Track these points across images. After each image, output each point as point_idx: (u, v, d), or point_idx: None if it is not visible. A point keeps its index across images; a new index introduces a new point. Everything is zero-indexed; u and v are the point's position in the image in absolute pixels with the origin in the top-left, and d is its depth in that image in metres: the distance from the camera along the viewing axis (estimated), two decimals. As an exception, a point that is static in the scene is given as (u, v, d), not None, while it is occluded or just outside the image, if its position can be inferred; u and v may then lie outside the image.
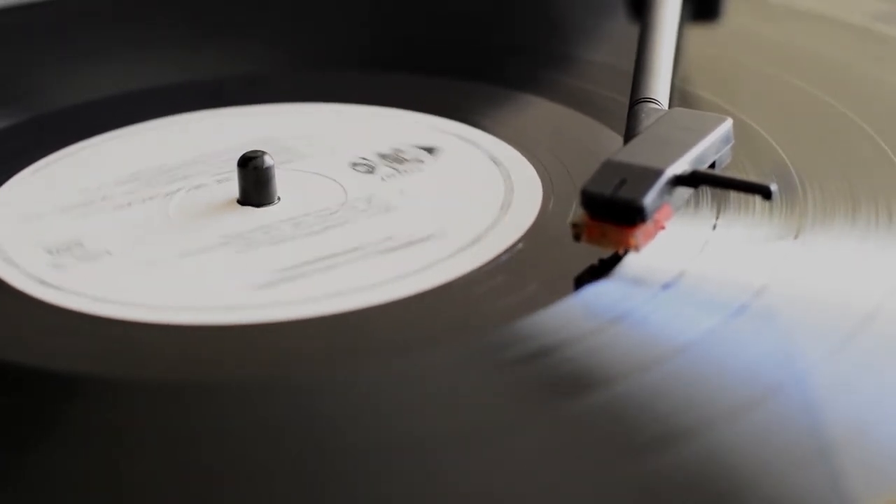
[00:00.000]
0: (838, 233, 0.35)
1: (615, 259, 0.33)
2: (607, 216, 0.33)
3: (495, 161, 0.39)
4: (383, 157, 0.40)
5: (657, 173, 0.33)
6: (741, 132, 0.40)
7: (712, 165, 0.35)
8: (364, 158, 0.40)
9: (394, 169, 0.39)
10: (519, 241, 0.35)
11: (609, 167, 0.33)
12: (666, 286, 0.33)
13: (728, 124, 0.35)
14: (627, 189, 0.32)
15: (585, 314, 0.32)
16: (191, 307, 0.33)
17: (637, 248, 0.32)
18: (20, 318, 0.33)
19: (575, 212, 0.33)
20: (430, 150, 0.40)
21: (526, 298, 0.33)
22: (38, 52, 0.48)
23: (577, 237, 0.33)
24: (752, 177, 0.37)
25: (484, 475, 0.27)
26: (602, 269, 0.33)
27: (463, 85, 0.44)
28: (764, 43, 0.46)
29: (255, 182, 0.37)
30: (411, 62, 0.46)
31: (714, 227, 0.35)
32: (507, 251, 0.35)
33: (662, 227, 0.33)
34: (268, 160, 0.37)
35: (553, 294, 0.32)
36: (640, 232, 0.32)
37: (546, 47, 0.48)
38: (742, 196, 0.36)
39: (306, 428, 0.29)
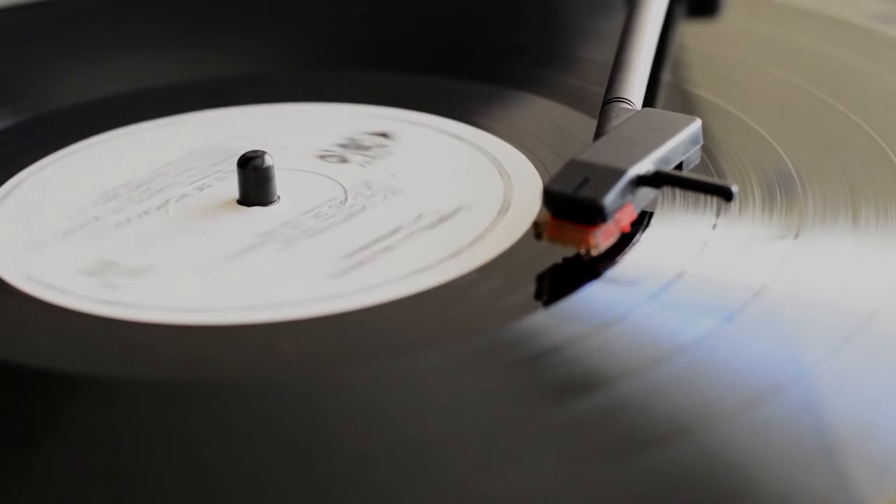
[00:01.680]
0: (838, 233, 0.35)
1: (577, 261, 0.33)
2: (569, 215, 0.33)
3: (490, 157, 0.39)
4: (343, 146, 0.40)
5: (619, 173, 0.33)
6: (742, 132, 0.40)
7: (679, 166, 0.35)
8: (326, 150, 0.40)
9: (364, 156, 0.39)
10: (518, 241, 0.35)
11: (573, 166, 0.33)
12: (666, 286, 0.33)
13: (697, 125, 0.35)
14: (589, 188, 0.32)
15: (585, 315, 0.32)
16: (264, 305, 0.33)
17: (597, 248, 0.32)
18: (99, 337, 0.33)
19: (540, 211, 0.33)
20: (385, 135, 0.40)
21: (525, 299, 0.33)
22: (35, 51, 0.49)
23: (538, 236, 0.33)
24: (753, 178, 0.37)
25: (484, 475, 0.27)
26: (568, 268, 0.33)
27: (457, 83, 0.44)
28: (764, 42, 0.46)
29: (255, 182, 0.37)
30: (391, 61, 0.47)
31: (714, 227, 0.35)
32: (506, 252, 0.35)
33: (626, 229, 0.33)
34: (268, 160, 0.37)
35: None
36: (600, 231, 0.32)
37: (542, 46, 0.48)
38: (741, 197, 0.36)
39: (306, 428, 0.29)
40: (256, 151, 0.37)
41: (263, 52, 0.48)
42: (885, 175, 0.37)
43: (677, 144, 0.35)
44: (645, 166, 0.33)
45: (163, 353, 0.32)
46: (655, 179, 0.34)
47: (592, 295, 0.33)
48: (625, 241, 0.34)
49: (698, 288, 0.33)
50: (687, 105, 0.42)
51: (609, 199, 0.32)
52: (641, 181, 0.33)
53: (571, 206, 0.32)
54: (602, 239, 0.32)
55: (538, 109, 0.42)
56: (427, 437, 0.29)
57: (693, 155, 0.35)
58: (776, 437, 0.28)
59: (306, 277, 0.34)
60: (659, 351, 0.30)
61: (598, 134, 0.36)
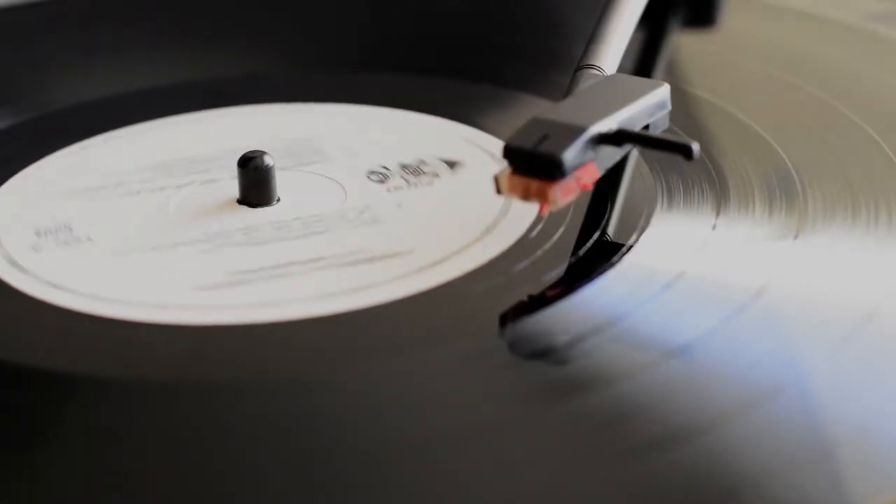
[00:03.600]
0: (838, 233, 0.35)
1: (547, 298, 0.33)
2: (528, 170, 0.33)
3: (496, 157, 0.39)
4: (404, 167, 0.39)
5: (580, 130, 0.33)
6: (742, 133, 0.40)
7: (646, 129, 0.35)
8: (384, 167, 0.39)
9: (406, 181, 0.39)
10: (517, 242, 0.35)
11: (534, 123, 0.33)
12: (665, 287, 0.33)
13: (665, 90, 0.35)
14: (548, 144, 0.33)
15: (584, 315, 0.32)
16: (125, 302, 0.33)
17: (555, 203, 0.32)
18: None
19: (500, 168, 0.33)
20: (451, 165, 0.40)
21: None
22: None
23: (498, 190, 0.33)
24: (753, 178, 0.37)
25: (483, 476, 0.27)
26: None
27: (470, 86, 0.44)
28: (763, 44, 0.46)
29: (254, 182, 0.37)
30: (417, 62, 0.47)
31: (714, 227, 0.35)
32: (505, 252, 0.35)
33: (586, 186, 0.33)
34: (268, 160, 0.37)
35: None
36: (559, 187, 0.32)
37: (541, 46, 0.48)
38: (741, 197, 0.36)
39: (305, 428, 0.29)
40: (257, 151, 0.37)
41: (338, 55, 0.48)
42: (884, 175, 0.37)
43: (642, 106, 0.35)
44: (607, 125, 0.34)
45: (163, 352, 0.32)
46: (617, 137, 0.34)
47: (591, 295, 0.33)
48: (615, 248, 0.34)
49: (698, 288, 0.33)
50: (686, 105, 0.42)
51: (569, 155, 0.32)
52: (603, 139, 0.33)
53: (531, 161, 0.33)
54: (561, 194, 0.32)
55: (535, 109, 0.42)
56: (426, 438, 0.29)
57: (660, 119, 0.35)
58: (775, 438, 0.28)
59: (175, 284, 0.34)
60: (658, 351, 0.30)
61: (566, 97, 0.36)
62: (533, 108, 0.42)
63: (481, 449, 0.28)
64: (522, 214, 0.36)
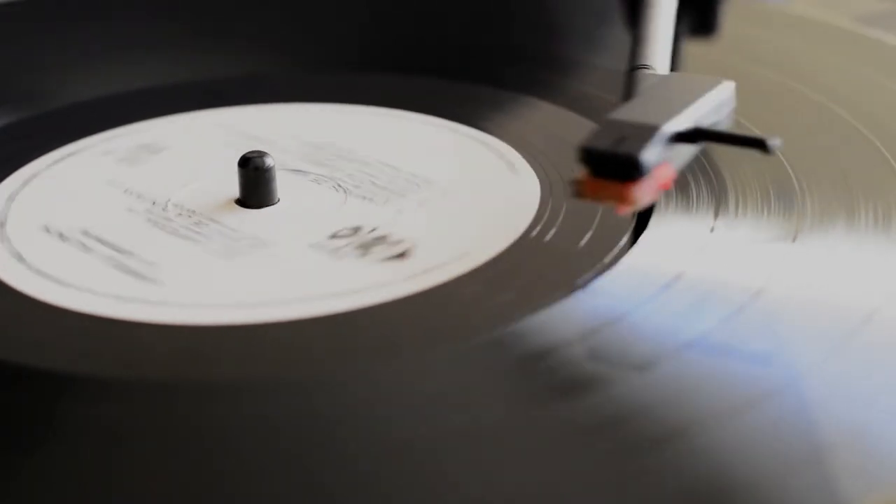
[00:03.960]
0: (836, 236, 0.35)
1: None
2: (606, 172, 0.33)
3: (495, 157, 0.39)
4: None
5: (655, 129, 0.33)
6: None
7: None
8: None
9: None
10: (517, 242, 0.35)
11: (608, 125, 0.33)
12: (664, 288, 0.33)
13: (730, 87, 0.35)
14: (626, 144, 0.32)
15: (582, 316, 0.32)
16: (262, 305, 0.33)
17: (637, 204, 0.32)
18: None
19: (576, 171, 0.33)
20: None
21: (523, 300, 0.33)
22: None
23: (577, 194, 0.33)
24: (751, 180, 0.37)
25: (482, 477, 0.27)
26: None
27: (468, 87, 0.44)
28: (761, 47, 0.46)
29: (254, 182, 0.37)
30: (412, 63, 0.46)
31: (712, 229, 0.35)
32: (504, 253, 0.35)
33: (665, 186, 0.33)
34: (268, 161, 0.37)
35: (550, 295, 0.33)
36: (639, 187, 0.32)
37: (543, 48, 0.48)
38: (740, 198, 0.36)
39: (305, 429, 0.29)
40: (256, 152, 0.37)
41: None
42: (882, 178, 0.37)
43: (711, 104, 0.35)
44: (681, 122, 0.34)
45: (162, 352, 0.32)
46: (693, 136, 0.34)
47: (590, 296, 0.33)
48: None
49: (696, 290, 0.33)
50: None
51: (647, 154, 0.32)
52: (678, 138, 0.33)
53: (609, 162, 0.32)
54: (642, 195, 0.32)
55: (536, 111, 0.43)
56: (426, 438, 0.29)
57: (725, 117, 0.35)
58: (771, 438, 0.28)
59: (305, 277, 0.34)
60: (655, 352, 0.30)
61: (625, 97, 0.36)
62: (533, 110, 0.43)
63: (481, 449, 0.28)
64: (522, 214, 0.36)
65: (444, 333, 0.32)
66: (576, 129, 0.41)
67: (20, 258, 0.36)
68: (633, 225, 0.35)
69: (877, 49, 0.46)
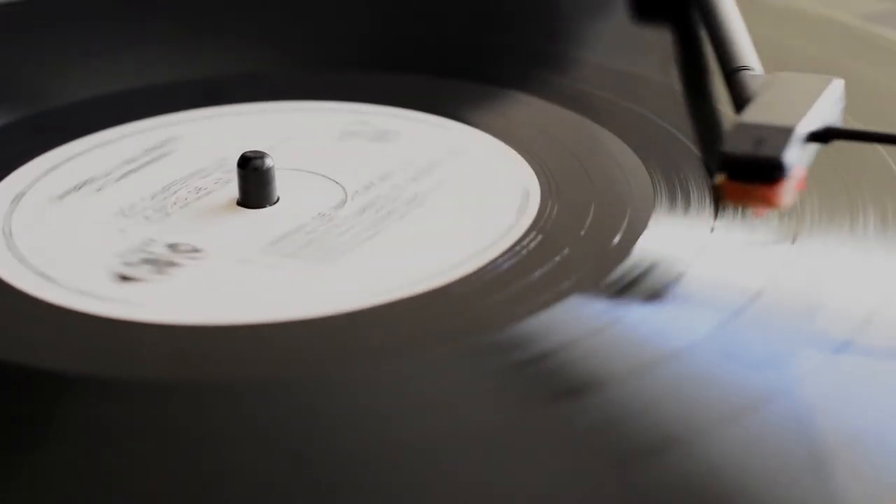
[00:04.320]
0: (836, 237, 0.35)
1: None
2: (747, 176, 0.33)
3: (492, 157, 0.39)
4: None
5: (791, 129, 0.33)
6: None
7: None
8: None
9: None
10: (516, 243, 0.35)
11: (742, 129, 0.33)
12: (663, 289, 0.33)
13: (840, 85, 0.36)
14: (766, 147, 0.33)
15: (581, 318, 0.32)
16: (261, 305, 0.33)
17: (782, 205, 0.33)
18: None
19: (716, 175, 0.33)
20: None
21: (522, 301, 0.33)
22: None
23: (719, 199, 0.33)
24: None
25: (481, 477, 0.28)
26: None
27: (459, 84, 0.44)
28: (761, 44, 0.46)
29: (254, 183, 0.37)
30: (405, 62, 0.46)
31: (712, 230, 0.35)
32: (504, 253, 0.35)
33: (802, 186, 0.33)
34: (268, 161, 0.37)
35: (550, 297, 0.33)
36: (781, 188, 0.32)
37: (539, 46, 0.48)
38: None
39: (304, 429, 0.29)
40: (256, 152, 0.37)
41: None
42: (882, 179, 0.37)
43: (829, 101, 0.35)
44: (813, 122, 0.34)
45: (161, 353, 0.32)
46: (825, 135, 0.34)
47: (589, 297, 0.33)
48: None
49: (695, 291, 0.33)
50: (684, 107, 0.42)
51: (789, 156, 0.32)
52: (811, 137, 0.34)
53: (750, 166, 0.33)
54: (785, 196, 0.32)
55: (534, 109, 0.43)
56: (426, 439, 0.29)
57: (838, 114, 0.35)
58: (772, 442, 0.28)
59: (304, 277, 0.34)
60: (654, 355, 0.30)
61: (740, 100, 0.36)
62: (532, 108, 0.43)
63: (480, 451, 0.28)
64: (522, 213, 0.36)
65: (444, 334, 0.32)
66: (576, 127, 0.41)
67: (21, 258, 0.36)
68: (625, 225, 0.35)
69: (878, 46, 0.46)
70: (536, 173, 0.38)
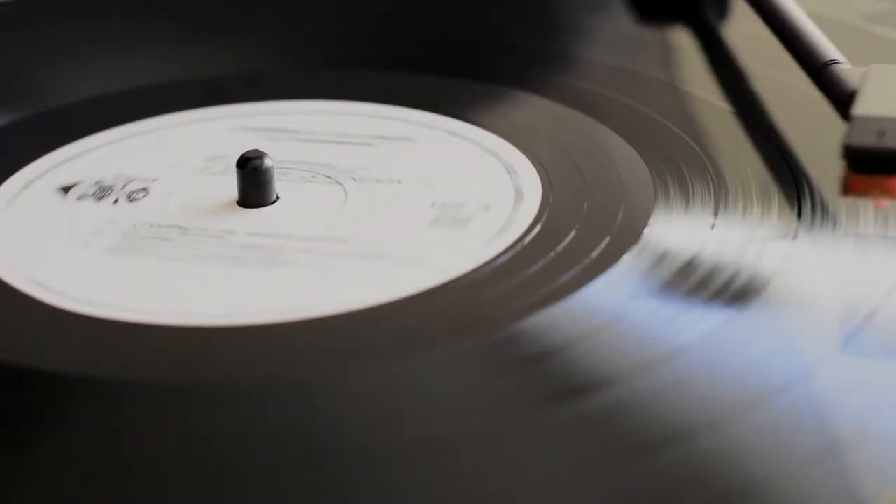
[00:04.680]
0: (837, 233, 0.35)
1: None
2: (870, 168, 0.33)
3: (494, 155, 0.39)
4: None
5: None
6: (741, 132, 0.40)
7: None
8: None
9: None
10: (517, 241, 0.35)
11: (861, 121, 0.33)
12: (663, 287, 0.33)
13: None
14: (890, 139, 0.33)
15: (582, 316, 0.32)
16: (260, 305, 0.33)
17: None
18: None
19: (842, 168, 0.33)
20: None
21: (522, 300, 0.33)
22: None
23: (844, 192, 0.33)
24: (751, 177, 0.37)
25: (483, 477, 0.28)
26: None
27: (455, 83, 0.44)
28: (762, 43, 0.46)
29: (253, 183, 0.37)
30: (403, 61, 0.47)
31: (712, 226, 0.35)
32: (504, 252, 0.35)
33: None
34: (267, 161, 0.37)
35: (549, 296, 0.33)
36: None
37: (539, 45, 0.48)
38: (740, 198, 0.36)
39: (304, 429, 0.29)
40: (256, 152, 0.37)
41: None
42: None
43: None
44: None
45: (161, 354, 0.32)
46: None
47: (590, 296, 0.33)
48: None
49: (696, 288, 0.33)
50: (684, 105, 0.42)
51: None
52: None
53: (874, 158, 0.33)
54: None
55: (534, 108, 0.43)
56: (425, 439, 0.29)
57: None
58: (776, 438, 0.28)
59: (304, 277, 0.34)
60: (657, 352, 0.30)
61: (841, 95, 0.36)
62: (532, 106, 0.43)
63: (483, 450, 0.28)
64: (522, 213, 0.36)
65: (444, 334, 0.32)
66: (576, 126, 0.41)
67: (21, 258, 0.36)
68: (626, 222, 0.35)
69: (879, 46, 0.46)
70: (537, 171, 0.38)
